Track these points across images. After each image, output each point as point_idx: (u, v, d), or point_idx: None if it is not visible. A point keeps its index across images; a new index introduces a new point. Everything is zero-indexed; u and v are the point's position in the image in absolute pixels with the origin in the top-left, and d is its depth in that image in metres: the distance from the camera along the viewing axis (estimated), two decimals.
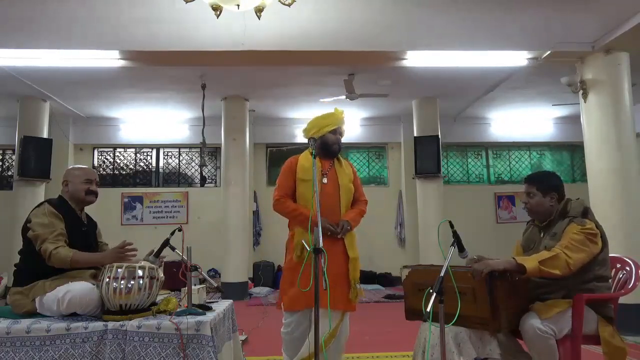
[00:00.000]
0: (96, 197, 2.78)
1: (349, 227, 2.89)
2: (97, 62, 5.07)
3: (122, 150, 9.75)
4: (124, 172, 9.75)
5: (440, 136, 8.36)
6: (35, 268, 2.49)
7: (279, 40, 4.73)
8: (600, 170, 4.96)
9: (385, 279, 8.96)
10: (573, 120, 9.15)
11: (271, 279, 8.76)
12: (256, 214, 9.34)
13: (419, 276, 2.58)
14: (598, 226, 2.50)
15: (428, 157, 8.13)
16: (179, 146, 9.76)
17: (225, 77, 7.05)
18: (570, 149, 10.27)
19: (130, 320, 2.29)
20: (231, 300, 3.03)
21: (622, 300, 2.65)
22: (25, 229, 2.56)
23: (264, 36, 4.67)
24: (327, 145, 3.00)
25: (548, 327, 2.30)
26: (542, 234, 2.68)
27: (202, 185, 9.61)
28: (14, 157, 8.50)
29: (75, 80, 6.97)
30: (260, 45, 4.71)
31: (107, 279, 2.33)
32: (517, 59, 5.21)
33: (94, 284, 2.45)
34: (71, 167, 2.90)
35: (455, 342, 2.44)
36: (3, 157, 9.41)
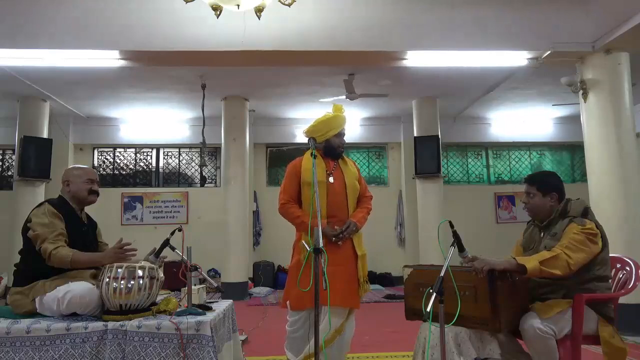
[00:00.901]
0: (97, 197, 2.78)
1: (354, 228, 2.90)
2: (97, 62, 5.07)
3: (122, 150, 9.75)
4: (124, 172, 9.75)
5: (440, 136, 8.37)
6: (35, 268, 2.49)
7: (279, 40, 4.73)
8: (600, 170, 4.95)
9: (385, 279, 8.97)
10: (573, 120, 9.16)
11: (271, 279, 8.76)
12: (256, 214, 9.33)
13: (421, 276, 2.58)
14: (598, 226, 2.50)
15: (428, 157, 8.14)
16: (179, 146, 9.76)
17: (225, 77, 7.05)
18: (570, 149, 10.27)
19: (130, 320, 2.29)
20: (231, 300, 3.03)
21: (622, 300, 2.65)
22: (25, 229, 2.56)
23: (264, 36, 4.67)
24: (333, 148, 3.03)
25: (548, 327, 2.30)
26: (542, 234, 2.68)
27: (202, 185, 9.61)
28: (14, 157, 8.50)
29: (75, 80, 6.97)
30: (260, 45, 4.71)
31: (107, 279, 2.33)
32: (517, 59, 5.20)
33: (94, 284, 2.44)
34: (71, 167, 2.90)
35: (455, 342, 2.44)
36: (3, 157, 9.41)
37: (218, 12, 3.28)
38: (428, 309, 1.99)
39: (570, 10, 4.90)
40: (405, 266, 2.72)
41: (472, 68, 6.05)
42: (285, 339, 2.92)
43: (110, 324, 2.27)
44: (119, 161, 9.76)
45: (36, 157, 7.61)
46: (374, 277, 8.96)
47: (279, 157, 9.73)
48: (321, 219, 2.84)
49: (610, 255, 2.59)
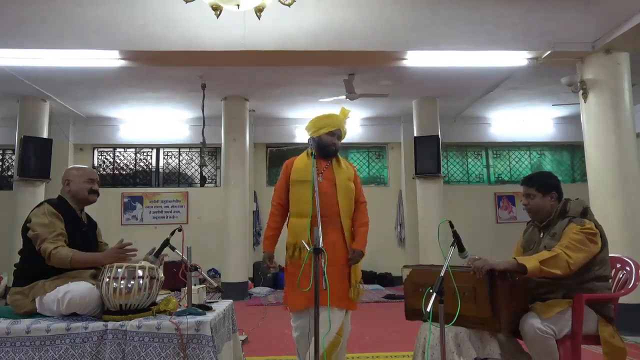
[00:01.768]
0: (98, 197, 2.78)
1: (360, 256, 2.93)
2: (97, 62, 5.07)
3: (122, 150, 9.75)
4: (124, 172, 9.75)
5: (440, 136, 8.37)
6: (35, 268, 2.49)
7: (279, 40, 4.73)
8: (600, 170, 4.96)
9: (385, 279, 8.97)
10: (573, 120, 9.16)
11: (271, 279, 8.76)
12: (256, 214, 9.34)
13: (420, 276, 2.58)
14: (597, 226, 2.50)
15: (428, 157, 8.13)
16: (179, 146, 9.76)
17: (225, 77, 7.05)
18: (570, 149, 10.27)
19: (130, 320, 2.29)
20: (231, 300, 3.03)
21: (622, 300, 2.65)
22: (25, 229, 2.56)
23: (264, 36, 4.67)
24: (323, 146, 3.00)
25: (548, 327, 2.29)
26: (541, 234, 2.68)
27: (202, 185, 9.61)
28: (14, 157, 8.50)
29: (75, 80, 6.97)
30: (260, 45, 4.72)
31: (107, 279, 2.33)
32: (517, 59, 5.20)
33: (93, 284, 2.44)
34: (71, 167, 2.90)
35: (455, 342, 2.44)
36: (3, 157, 9.41)
37: (218, 12, 3.28)
38: (428, 309, 1.99)
39: (570, 10, 4.90)
40: (404, 266, 2.71)
41: (472, 68, 6.05)
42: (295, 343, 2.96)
43: (110, 324, 2.27)
44: (119, 161, 9.76)
45: (36, 157, 7.61)
46: (374, 277, 8.97)
47: (279, 157, 9.73)
48: (307, 217, 2.89)
49: (610, 255, 2.59)
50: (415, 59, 5.16)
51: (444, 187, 8.54)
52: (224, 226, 7.84)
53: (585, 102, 5.13)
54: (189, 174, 9.85)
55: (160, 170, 9.78)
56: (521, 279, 2.39)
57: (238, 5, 3.16)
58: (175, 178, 9.82)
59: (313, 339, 2.79)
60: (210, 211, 9.08)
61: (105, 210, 8.55)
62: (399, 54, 5.03)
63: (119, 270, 2.34)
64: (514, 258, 2.39)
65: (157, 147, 9.77)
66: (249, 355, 3.77)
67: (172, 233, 2.68)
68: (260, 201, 9.41)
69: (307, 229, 2.84)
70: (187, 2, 3.39)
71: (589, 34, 4.90)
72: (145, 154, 9.80)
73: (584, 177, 8.42)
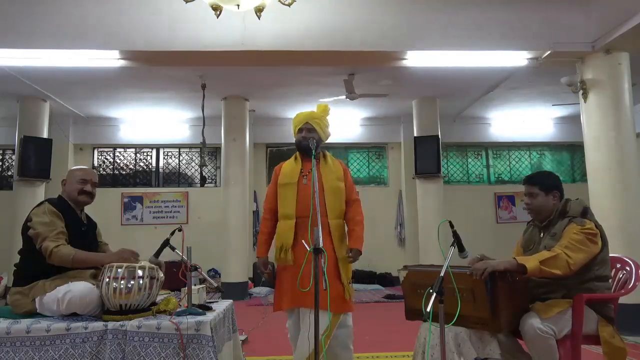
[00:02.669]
0: (91, 199, 2.76)
1: (357, 257, 2.90)
2: (97, 62, 5.07)
3: (122, 150, 9.75)
4: (124, 172, 9.75)
5: (440, 136, 8.37)
6: (35, 268, 2.49)
7: (279, 40, 4.73)
8: (600, 170, 4.95)
9: (385, 279, 8.96)
10: (573, 120, 9.16)
11: (271, 279, 8.74)
12: (256, 214, 9.34)
13: (417, 277, 2.58)
14: (598, 226, 2.50)
15: (428, 157, 8.13)
16: (179, 146, 9.76)
17: (225, 77, 7.05)
18: (570, 149, 10.27)
19: (130, 320, 2.29)
20: (231, 300, 3.03)
21: (622, 300, 2.64)
22: (25, 228, 2.56)
23: (264, 36, 4.67)
24: (298, 145, 3.03)
25: (548, 327, 2.29)
26: (541, 234, 2.68)
27: (202, 185, 9.61)
28: (14, 157, 8.50)
29: (75, 80, 6.97)
30: (260, 45, 4.72)
31: (107, 279, 2.33)
32: (517, 59, 5.21)
33: (94, 284, 2.44)
34: (74, 167, 2.90)
35: (455, 342, 2.44)
36: (3, 157, 9.41)
37: (218, 12, 3.28)
38: (428, 309, 1.99)
39: (570, 10, 4.90)
40: (401, 268, 2.69)
41: (472, 68, 6.05)
42: None
43: (110, 324, 2.27)
44: (119, 161, 9.76)
45: (36, 157, 7.61)
46: (373, 277, 8.96)
47: (279, 157, 9.72)
48: (292, 219, 2.90)
49: (610, 255, 2.59)
50: (415, 59, 5.16)
51: (444, 187, 8.54)
52: (224, 226, 7.84)
53: (585, 102, 5.13)
54: (189, 174, 9.85)
55: (160, 170, 9.78)
56: (521, 279, 2.39)
57: (238, 5, 3.16)
58: (175, 178, 9.82)
59: (297, 341, 2.83)
60: (210, 211, 9.08)
61: (105, 210, 8.55)
62: (399, 54, 5.03)
63: (119, 270, 2.34)
64: (514, 258, 2.39)
65: (157, 147, 9.77)
66: (249, 355, 3.77)
67: (172, 233, 2.68)
68: (260, 201, 9.40)
69: (292, 230, 2.87)
70: (187, 2, 3.39)
71: (589, 34, 4.90)
72: (145, 154, 9.80)
73: (584, 177, 8.42)
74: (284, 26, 4.68)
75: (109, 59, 4.95)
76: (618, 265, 2.76)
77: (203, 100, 7.19)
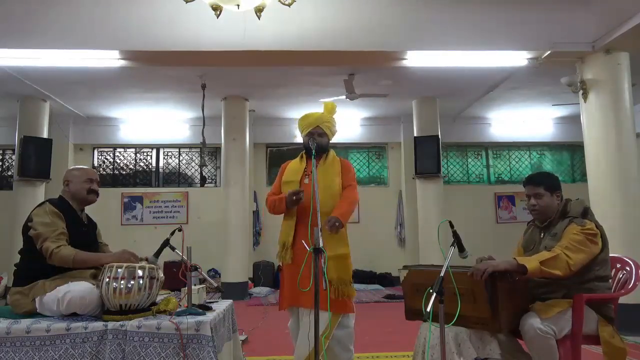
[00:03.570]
0: (97, 197, 2.78)
1: (337, 223, 2.76)
2: (97, 62, 5.07)
3: (122, 150, 9.75)
4: (124, 172, 9.75)
5: (440, 136, 8.37)
6: (35, 268, 2.49)
7: (279, 40, 4.73)
8: (600, 170, 4.96)
9: (385, 279, 8.96)
10: (573, 120, 9.16)
11: (271, 279, 8.76)
12: (256, 214, 9.34)
13: (418, 277, 2.58)
14: (598, 226, 2.50)
15: (428, 157, 8.13)
16: (179, 146, 9.76)
17: (225, 77, 7.05)
18: (570, 149, 10.27)
19: (130, 320, 2.29)
20: (231, 300, 3.03)
21: (622, 300, 2.64)
22: (26, 228, 2.56)
23: (264, 36, 4.67)
24: (305, 147, 3.05)
25: (548, 327, 2.29)
26: (542, 235, 2.68)
27: (202, 185, 9.61)
28: (14, 157, 8.50)
29: (75, 80, 6.97)
30: (260, 45, 4.71)
31: (107, 279, 2.33)
32: (517, 59, 5.20)
33: (94, 284, 2.44)
34: (71, 167, 2.90)
35: (455, 342, 2.44)
36: (3, 157, 9.41)
37: (218, 12, 3.28)
38: (428, 309, 1.99)
39: (570, 10, 4.90)
40: (402, 268, 2.69)
41: (472, 68, 6.05)
42: None
43: (110, 324, 2.27)
44: (119, 161, 9.76)
45: (36, 157, 7.61)
46: (374, 277, 8.96)
47: (279, 157, 9.72)
48: (290, 217, 2.92)
49: (610, 255, 2.59)
50: (415, 59, 5.16)
51: (444, 187, 8.54)
52: (224, 226, 7.84)
53: (585, 102, 5.13)
54: (189, 174, 9.85)
55: (160, 170, 9.78)
56: (521, 279, 2.39)
57: (238, 5, 3.16)
58: (175, 178, 9.82)
59: (297, 340, 2.83)
60: (210, 211, 9.08)
61: (105, 210, 8.56)
62: (399, 54, 5.03)
63: (119, 270, 2.34)
64: (514, 258, 2.39)
65: (157, 147, 9.76)
66: (249, 355, 3.77)
67: (172, 233, 2.69)
68: (260, 201, 9.40)
69: (292, 229, 2.89)
70: (187, 2, 3.39)
71: (589, 34, 4.90)
72: (145, 154, 9.80)
73: (584, 177, 8.42)
74: (284, 26, 4.68)
75: (109, 59, 4.95)
76: (618, 265, 2.76)
77: (203, 100, 7.19)
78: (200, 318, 2.32)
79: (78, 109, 8.56)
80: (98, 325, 2.27)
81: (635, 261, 2.69)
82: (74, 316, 2.37)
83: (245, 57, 4.89)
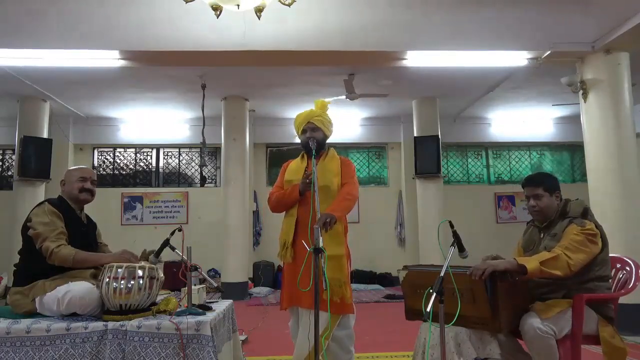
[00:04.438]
0: (92, 196, 2.77)
1: (328, 220, 2.66)
2: (97, 62, 5.07)
3: (122, 150, 9.75)
4: (124, 172, 9.75)
5: (440, 136, 8.36)
6: (35, 268, 2.49)
7: (279, 40, 4.73)
8: (600, 170, 4.96)
9: (385, 279, 8.96)
10: (573, 120, 9.16)
11: (271, 279, 8.76)
12: (256, 214, 9.34)
13: (417, 277, 2.58)
14: (598, 226, 2.50)
15: (428, 157, 8.13)
16: (179, 146, 9.76)
17: (225, 77, 7.05)
18: (570, 149, 10.27)
19: (130, 320, 2.29)
20: (231, 300, 3.03)
21: (622, 300, 2.64)
22: (25, 228, 2.56)
23: (264, 36, 4.67)
24: (303, 146, 3.04)
25: (548, 327, 2.29)
26: (542, 235, 2.68)
27: (202, 185, 9.60)
28: (14, 157, 8.50)
29: (75, 80, 6.97)
30: (260, 45, 4.71)
31: (107, 279, 2.33)
32: (517, 59, 5.20)
33: (94, 284, 2.44)
34: (70, 168, 2.90)
35: (455, 342, 2.44)
36: (3, 157, 9.41)
37: (218, 12, 3.28)
38: (428, 309, 1.99)
39: (570, 10, 4.90)
40: (401, 269, 2.68)
41: (472, 68, 6.05)
42: None
43: (110, 324, 2.27)
44: (119, 161, 9.76)
45: (36, 157, 7.61)
46: (374, 277, 8.96)
47: (279, 157, 9.73)
48: (291, 216, 2.92)
49: (610, 255, 2.59)
50: (415, 59, 5.16)
51: (444, 187, 8.54)
52: (224, 226, 7.84)
53: (585, 102, 5.13)
54: (189, 174, 9.85)
55: (160, 170, 9.78)
56: (521, 279, 2.39)
57: (238, 5, 3.16)
58: (175, 178, 9.82)
59: (296, 340, 2.83)
60: (210, 211, 9.08)
61: (105, 210, 8.56)
62: (399, 54, 5.03)
63: (119, 270, 2.34)
64: (514, 258, 2.39)
65: (157, 147, 9.76)
66: (249, 355, 3.77)
67: (172, 233, 2.68)
68: (260, 201, 9.40)
69: (293, 228, 2.89)
70: (187, 2, 3.39)
71: (589, 34, 4.90)
72: (145, 154, 9.80)
73: (584, 177, 8.42)
74: (284, 26, 4.68)
75: (109, 59, 4.95)
76: (618, 265, 2.76)
77: (203, 100, 7.19)
78: (200, 318, 2.32)
79: (78, 109, 8.56)
80: (98, 325, 2.27)
81: (635, 261, 2.69)
82: (74, 316, 2.37)
83: (245, 57, 4.88)
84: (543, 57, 5.04)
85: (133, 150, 9.76)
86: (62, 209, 2.62)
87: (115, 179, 9.67)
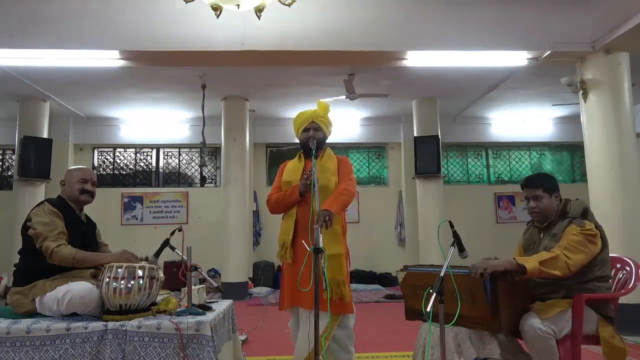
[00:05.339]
0: (92, 197, 2.77)
1: (327, 218, 2.63)
2: (97, 62, 5.07)
3: (122, 150, 9.75)
4: (124, 172, 9.75)
5: (440, 136, 8.36)
6: (35, 268, 2.49)
7: (279, 40, 4.73)
8: (600, 171, 4.95)
9: (385, 279, 8.96)
10: (573, 120, 9.16)
11: (271, 279, 8.76)
12: (256, 214, 9.34)
13: (416, 278, 2.58)
14: (598, 227, 2.50)
15: (428, 157, 8.13)
16: (179, 146, 9.76)
17: (225, 77, 7.05)
18: (570, 149, 10.27)
19: (130, 320, 2.29)
20: (231, 300, 3.03)
21: (622, 300, 2.65)
22: (25, 228, 2.56)
23: (264, 36, 4.67)
24: (303, 145, 3.02)
25: (548, 327, 2.29)
26: (541, 235, 2.68)
27: (202, 185, 9.60)
28: (14, 157, 8.50)
29: (75, 80, 6.97)
30: (260, 45, 4.71)
31: (107, 279, 2.33)
32: (517, 59, 5.20)
33: (94, 284, 2.44)
34: (70, 167, 2.90)
35: (455, 342, 2.44)
36: (3, 157, 9.41)
37: (218, 12, 3.28)
38: (428, 309, 1.99)
39: (570, 10, 4.90)
40: (399, 270, 2.68)
41: (472, 68, 6.05)
42: None
43: (110, 324, 2.27)
44: (119, 161, 9.76)
45: (36, 157, 7.60)
46: (374, 277, 8.96)
47: (279, 157, 9.73)
48: (290, 217, 2.91)
49: (610, 255, 2.59)
50: (415, 59, 5.16)
51: (444, 187, 8.53)
52: (224, 226, 7.84)
53: (585, 102, 5.13)
54: (189, 174, 9.85)
55: (160, 170, 9.78)
56: (521, 279, 2.39)
57: (238, 5, 3.17)
58: (175, 178, 9.82)
59: (296, 340, 2.83)
60: (210, 211, 9.08)
61: (105, 210, 8.56)
62: (399, 54, 5.03)
63: (119, 270, 2.34)
64: (514, 258, 2.39)
65: (157, 147, 9.77)
66: (249, 355, 3.77)
67: (172, 233, 2.69)
68: (260, 201, 9.40)
69: (292, 228, 2.88)
70: (187, 2, 3.39)
71: (589, 34, 4.90)
72: (145, 154, 9.80)
73: (584, 177, 8.42)
74: (284, 26, 4.68)
75: (109, 59, 4.95)
76: (618, 265, 2.76)
77: (203, 100, 7.19)
78: (200, 318, 2.32)
79: (78, 109, 8.56)
80: (98, 325, 2.27)
81: (635, 261, 2.69)
82: (74, 316, 2.37)
83: (245, 57, 4.88)
84: (543, 57, 5.04)
85: (133, 150, 9.76)
86: (62, 208, 2.62)
87: (115, 179, 9.67)
